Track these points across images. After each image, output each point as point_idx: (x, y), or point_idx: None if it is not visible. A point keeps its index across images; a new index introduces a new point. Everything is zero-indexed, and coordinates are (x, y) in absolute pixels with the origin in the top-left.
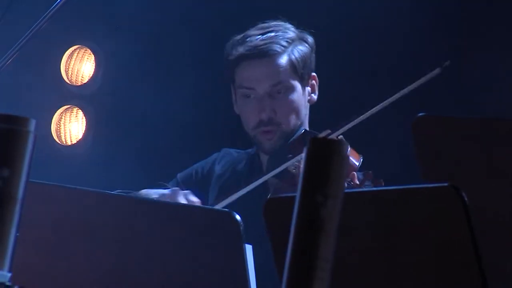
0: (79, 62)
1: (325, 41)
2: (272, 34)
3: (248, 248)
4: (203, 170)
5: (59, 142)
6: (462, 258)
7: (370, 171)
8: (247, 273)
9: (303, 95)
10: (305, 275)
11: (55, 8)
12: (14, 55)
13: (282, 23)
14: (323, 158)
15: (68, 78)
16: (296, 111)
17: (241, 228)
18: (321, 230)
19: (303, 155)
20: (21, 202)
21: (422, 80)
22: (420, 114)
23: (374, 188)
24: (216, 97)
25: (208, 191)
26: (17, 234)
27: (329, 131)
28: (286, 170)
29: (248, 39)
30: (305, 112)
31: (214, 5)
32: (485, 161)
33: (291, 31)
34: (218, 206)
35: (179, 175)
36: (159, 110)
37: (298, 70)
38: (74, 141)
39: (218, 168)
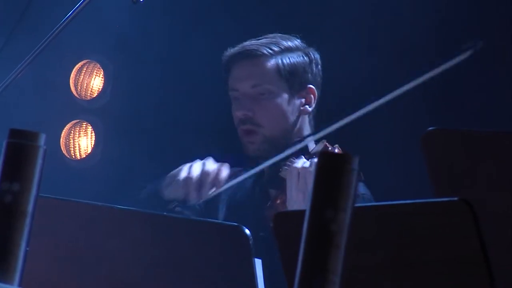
0: (88, 77)
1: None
2: (267, 40)
3: (258, 262)
4: None
5: (68, 156)
6: (474, 273)
7: None
8: (256, 287)
9: (290, 104)
10: None
11: (64, 23)
12: (24, 70)
13: (289, 36)
14: (333, 172)
15: (77, 93)
16: (278, 117)
17: (251, 242)
18: (331, 244)
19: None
20: (31, 216)
21: (449, 64)
22: (430, 128)
23: (385, 203)
24: (227, 109)
25: (219, 202)
26: (27, 249)
27: (324, 141)
28: (279, 176)
29: (243, 44)
30: (293, 120)
31: (223, 20)
32: (497, 175)
33: (291, 41)
34: (213, 195)
35: None
36: (168, 124)
37: (284, 76)
38: (83, 156)
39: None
